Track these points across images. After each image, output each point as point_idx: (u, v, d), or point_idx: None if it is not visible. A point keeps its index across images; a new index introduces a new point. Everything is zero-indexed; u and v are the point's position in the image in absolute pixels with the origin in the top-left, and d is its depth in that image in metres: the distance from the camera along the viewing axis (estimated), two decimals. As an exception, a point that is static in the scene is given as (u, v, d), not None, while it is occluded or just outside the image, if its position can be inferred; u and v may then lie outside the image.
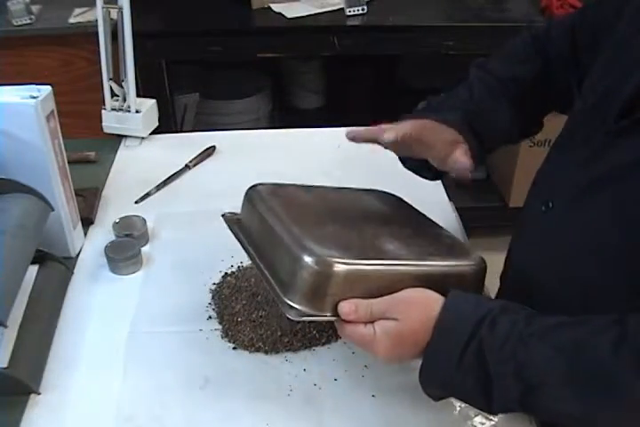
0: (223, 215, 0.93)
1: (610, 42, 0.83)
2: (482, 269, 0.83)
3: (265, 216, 0.86)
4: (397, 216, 1.00)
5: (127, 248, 1.07)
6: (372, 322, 0.74)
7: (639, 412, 0.65)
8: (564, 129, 0.89)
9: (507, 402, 0.70)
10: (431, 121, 0.93)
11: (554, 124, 1.00)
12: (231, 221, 0.92)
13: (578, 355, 0.66)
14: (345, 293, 0.75)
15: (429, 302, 0.73)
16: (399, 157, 1.00)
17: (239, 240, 0.88)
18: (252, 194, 0.91)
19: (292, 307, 0.76)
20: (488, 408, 0.73)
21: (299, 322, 0.94)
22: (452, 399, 0.85)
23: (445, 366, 0.71)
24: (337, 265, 0.74)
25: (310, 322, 0.95)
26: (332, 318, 0.76)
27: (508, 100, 0.98)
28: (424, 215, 1.00)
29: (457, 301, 0.73)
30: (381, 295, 0.75)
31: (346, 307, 0.74)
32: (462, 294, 0.73)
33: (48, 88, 0.97)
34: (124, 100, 1.41)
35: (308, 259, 0.74)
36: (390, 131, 0.87)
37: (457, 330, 0.70)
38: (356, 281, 0.75)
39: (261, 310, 0.97)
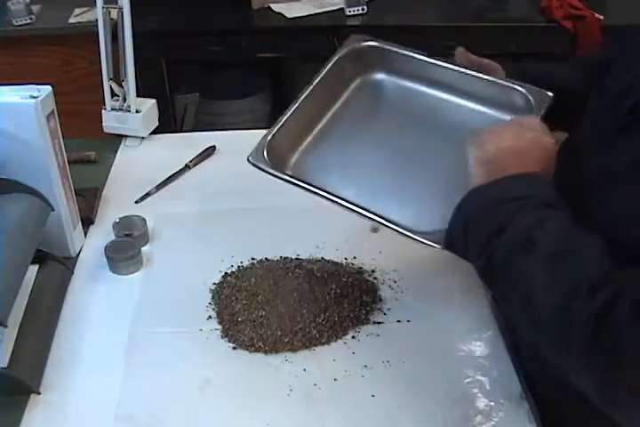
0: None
1: (633, 42, 0.83)
2: None
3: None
4: None
5: (127, 248, 1.07)
6: None
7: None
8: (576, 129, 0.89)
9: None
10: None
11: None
12: None
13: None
14: None
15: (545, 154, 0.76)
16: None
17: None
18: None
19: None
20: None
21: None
22: (452, 400, 0.85)
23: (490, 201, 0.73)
24: None
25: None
26: None
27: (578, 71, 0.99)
28: None
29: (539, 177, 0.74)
30: None
31: None
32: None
33: (48, 88, 0.97)
34: (124, 100, 1.41)
35: None
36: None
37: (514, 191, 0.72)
38: None
39: (261, 310, 0.97)
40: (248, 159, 0.94)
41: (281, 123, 0.98)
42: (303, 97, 0.99)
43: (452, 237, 0.77)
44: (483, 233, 0.71)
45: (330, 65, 1.01)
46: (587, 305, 0.61)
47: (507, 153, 0.76)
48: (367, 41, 1.02)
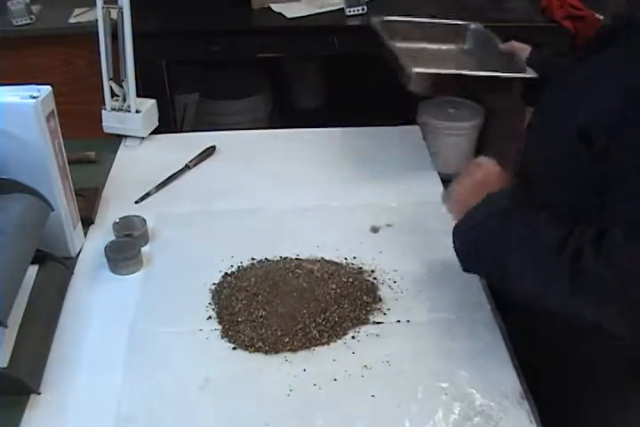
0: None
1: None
2: None
3: None
4: None
5: (127, 248, 1.07)
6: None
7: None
8: None
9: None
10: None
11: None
12: None
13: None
14: None
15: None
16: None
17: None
18: None
19: None
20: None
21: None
22: (452, 400, 0.85)
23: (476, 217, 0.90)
24: None
25: None
26: None
27: None
28: None
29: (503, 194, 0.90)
30: None
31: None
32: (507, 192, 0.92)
33: (48, 88, 0.97)
34: (124, 100, 1.41)
35: None
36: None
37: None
38: None
39: (261, 310, 0.97)
40: (370, 20, 1.38)
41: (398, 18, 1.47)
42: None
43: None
44: (463, 249, 0.89)
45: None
46: (559, 260, 0.76)
47: (469, 191, 0.93)
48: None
